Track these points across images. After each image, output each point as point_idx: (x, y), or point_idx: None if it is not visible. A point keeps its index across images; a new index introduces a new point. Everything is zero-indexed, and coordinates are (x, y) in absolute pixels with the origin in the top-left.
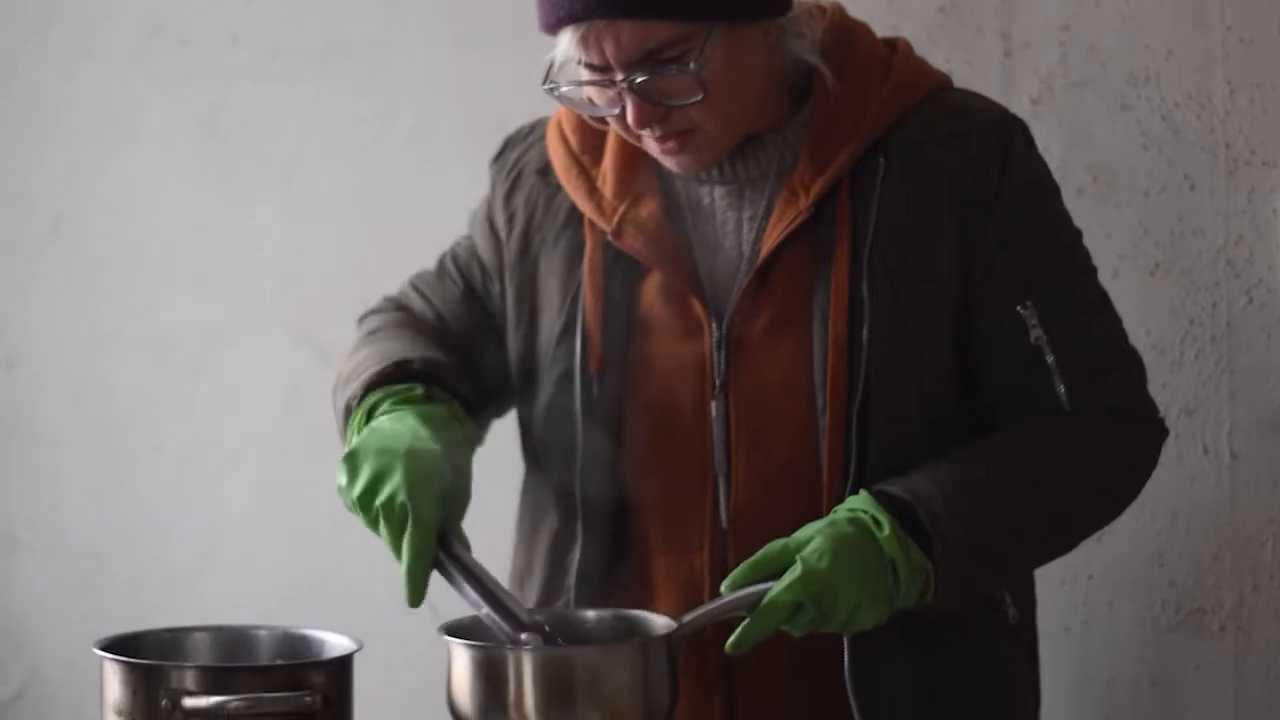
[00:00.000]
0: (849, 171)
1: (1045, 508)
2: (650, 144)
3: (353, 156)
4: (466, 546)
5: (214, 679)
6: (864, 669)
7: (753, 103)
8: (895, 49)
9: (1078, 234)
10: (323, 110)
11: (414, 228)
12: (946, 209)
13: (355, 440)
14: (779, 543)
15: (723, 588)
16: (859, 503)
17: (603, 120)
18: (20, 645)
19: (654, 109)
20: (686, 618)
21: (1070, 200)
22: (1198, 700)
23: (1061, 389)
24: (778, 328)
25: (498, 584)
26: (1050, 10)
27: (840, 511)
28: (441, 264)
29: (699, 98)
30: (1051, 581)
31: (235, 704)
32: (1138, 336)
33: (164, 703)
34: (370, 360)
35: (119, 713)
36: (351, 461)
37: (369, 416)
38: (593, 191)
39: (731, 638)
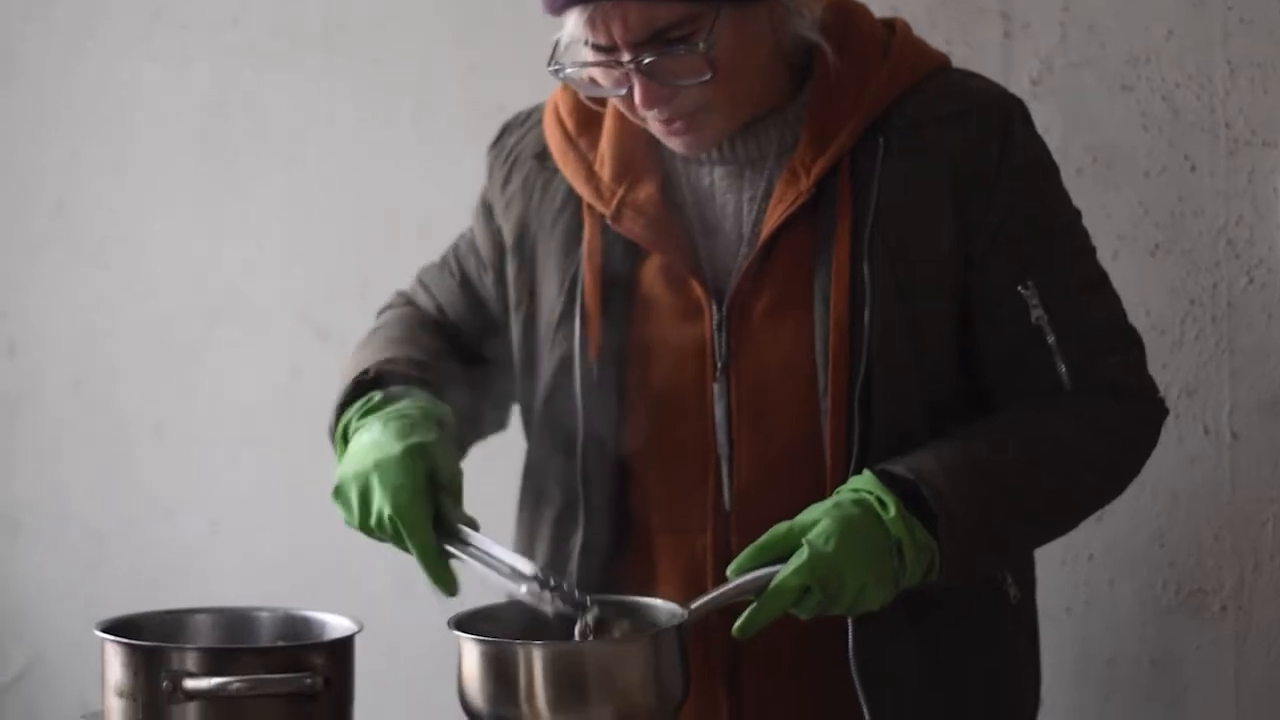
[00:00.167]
0: (849, 152)
1: (1046, 487)
2: (655, 125)
3: (354, 139)
4: (467, 522)
5: (215, 660)
6: (868, 649)
7: (758, 82)
8: (894, 29)
9: (1077, 214)
10: (323, 93)
11: (415, 210)
12: (946, 189)
13: (337, 471)
14: (784, 525)
15: (729, 572)
16: (863, 483)
17: (601, 101)
18: (22, 627)
19: (661, 90)
20: (695, 604)
21: (1070, 181)
22: (1198, 680)
23: (1063, 369)
24: (778, 309)
25: (503, 553)
26: None
27: (844, 492)
28: (445, 255)
29: (707, 78)
30: (1052, 562)
31: (236, 685)
32: (1138, 317)
33: (165, 684)
34: (342, 380)
35: (120, 694)
36: (340, 495)
37: (345, 440)
38: (590, 175)
39: (738, 622)
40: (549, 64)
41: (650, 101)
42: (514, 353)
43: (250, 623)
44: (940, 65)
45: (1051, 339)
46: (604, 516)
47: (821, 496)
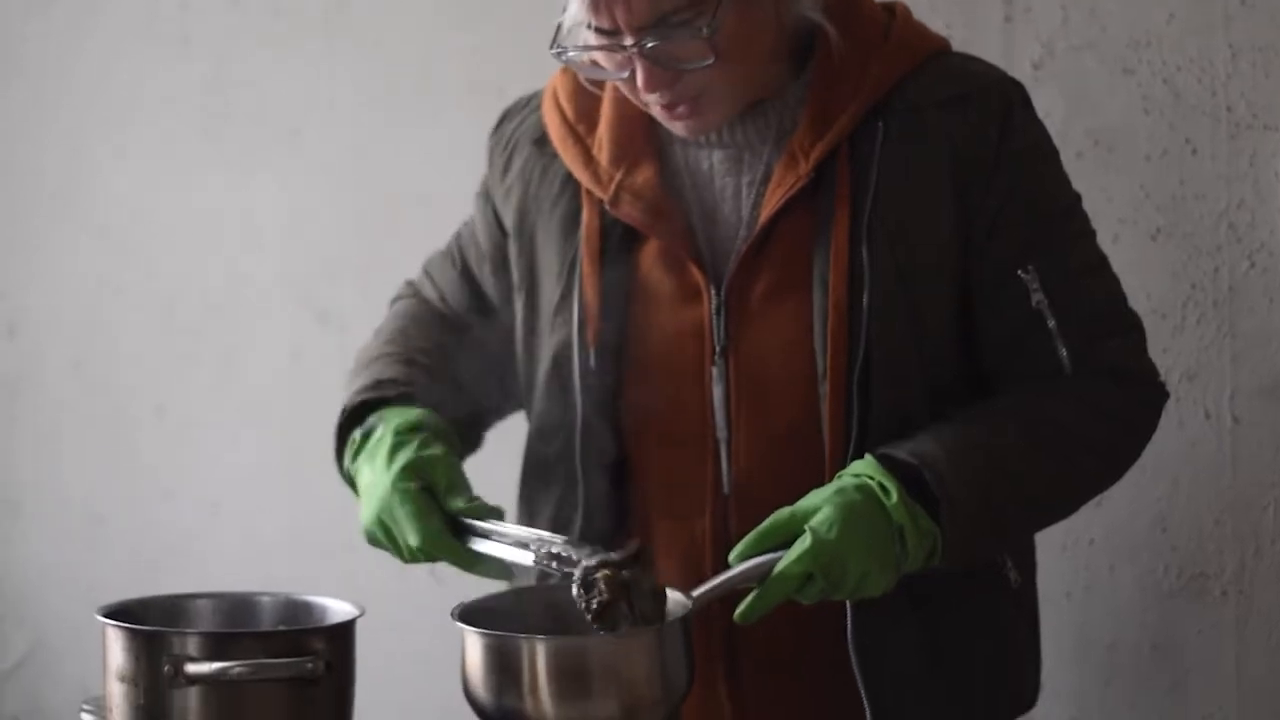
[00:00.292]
0: (849, 136)
1: (1047, 471)
2: (657, 109)
3: (354, 122)
4: (476, 514)
5: (216, 645)
6: (868, 635)
7: (762, 66)
8: (894, 13)
9: (1077, 197)
10: (324, 75)
11: (415, 193)
12: (946, 173)
13: (361, 518)
14: (786, 511)
15: (730, 558)
16: (864, 468)
17: (601, 84)
18: (22, 612)
19: (664, 73)
20: (697, 592)
21: (1071, 164)
22: (1199, 665)
23: (1063, 352)
24: (777, 293)
25: (524, 532)
26: None
27: (846, 477)
28: (449, 243)
29: (710, 62)
30: (1053, 547)
31: (237, 669)
32: (1139, 301)
33: (166, 668)
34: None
35: (121, 678)
36: (375, 543)
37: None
38: (589, 160)
39: (740, 608)
40: (551, 47)
41: (652, 85)
42: (516, 338)
43: (251, 607)
44: (940, 49)
45: (1052, 323)
46: (603, 501)
47: (821, 481)
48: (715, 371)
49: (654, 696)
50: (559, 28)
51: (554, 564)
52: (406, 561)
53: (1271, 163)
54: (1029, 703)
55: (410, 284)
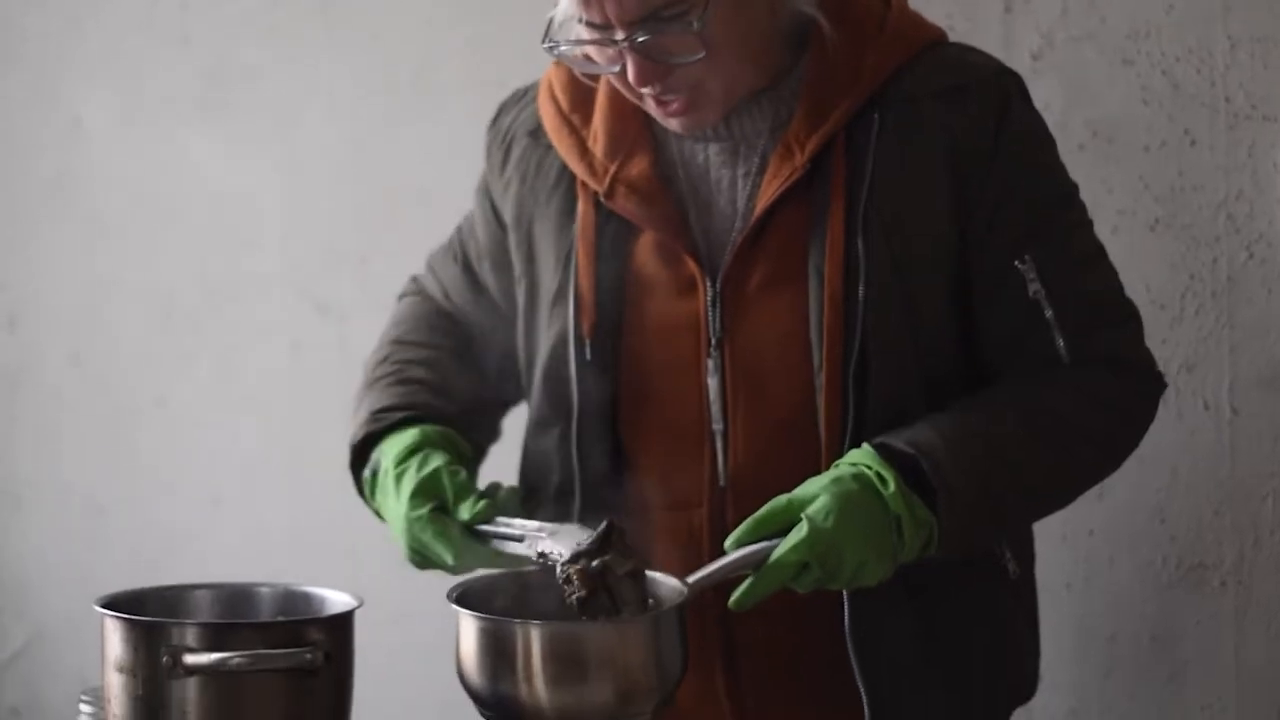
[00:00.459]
0: (844, 127)
1: (1044, 461)
2: (651, 105)
3: (353, 112)
4: (481, 518)
5: (215, 635)
6: (865, 624)
7: (754, 59)
8: (889, 3)
9: (1074, 187)
10: (323, 63)
11: (414, 184)
12: (942, 164)
13: (401, 548)
14: (783, 499)
15: (726, 544)
16: (862, 457)
17: (595, 77)
18: (21, 603)
19: (655, 68)
20: (692, 579)
21: (1070, 156)
22: (1198, 656)
23: (1060, 342)
24: (773, 284)
25: (521, 533)
26: None
27: (843, 466)
28: (451, 238)
29: (700, 56)
30: (1052, 538)
31: (236, 660)
32: (1138, 292)
33: (165, 659)
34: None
35: (120, 669)
36: (421, 568)
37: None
38: (584, 152)
39: (734, 595)
40: (543, 42)
41: (644, 79)
42: (518, 329)
43: (250, 598)
44: (937, 39)
45: (1049, 313)
46: (600, 493)
47: (817, 471)
48: (711, 363)
49: (648, 683)
50: (550, 22)
51: (543, 559)
52: (457, 574)
53: (1270, 154)
54: (1028, 693)
55: (415, 279)
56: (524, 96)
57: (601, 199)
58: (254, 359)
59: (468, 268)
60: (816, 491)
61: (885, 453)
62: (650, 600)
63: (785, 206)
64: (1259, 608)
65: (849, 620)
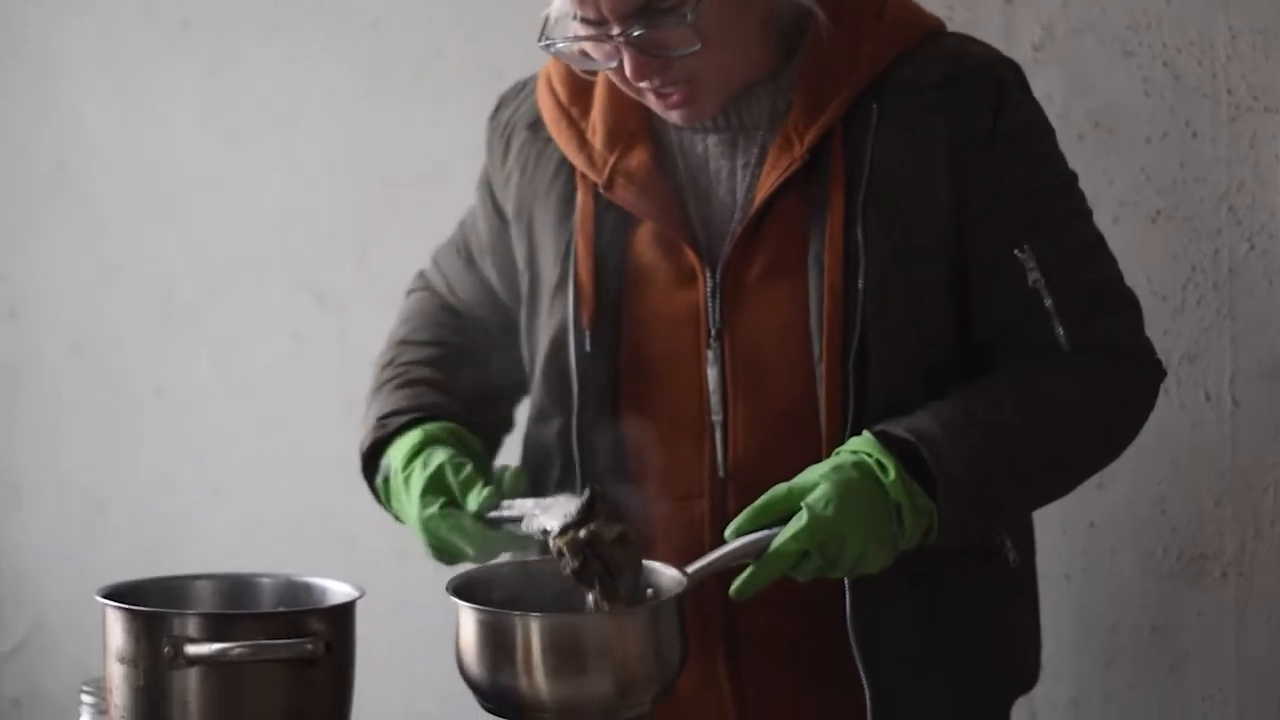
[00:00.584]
0: (843, 117)
1: (1044, 449)
2: (650, 98)
3: (353, 104)
4: (488, 507)
5: (216, 626)
6: (866, 613)
7: (750, 50)
8: None
9: (1073, 176)
10: (323, 55)
11: (414, 176)
12: (941, 154)
13: (424, 548)
14: (783, 487)
15: (726, 533)
16: (862, 445)
17: (594, 73)
18: (22, 594)
19: (652, 61)
20: (692, 568)
21: (1071, 146)
22: (1199, 647)
23: (1060, 331)
24: (772, 275)
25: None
26: None
27: (844, 454)
28: (455, 233)
29: (696, 48)
30: (1053, 529)
31: (237, 650)
32: (1139, 283)
33: (166, 650)
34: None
35: (122, 660)
36: (450, 564)
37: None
38: (583, 143)
39: (735, 584)
40: (539, 39)
41: (641, 74)
42: (520, 321)
43: (251, 588)
44: (935, 29)
45: (1049, 302)
46: (601, 484)
47: (818, 461)
48: (710, 354)
49: (648, 674)
50: (546, 20)
51: (546, 536)
52: (483, 563)
53: (1271, 145)
54: (1029, 683)
55: (422, 275)
56: (523, 89)
57: (601, 190)
58: (254, 350)
59: (471, 262)
60: (816, 480)
61: (885, 440)
62: (650, 590)
63: (784, 197)
64: (1260, 599)
65: (850, 609)
